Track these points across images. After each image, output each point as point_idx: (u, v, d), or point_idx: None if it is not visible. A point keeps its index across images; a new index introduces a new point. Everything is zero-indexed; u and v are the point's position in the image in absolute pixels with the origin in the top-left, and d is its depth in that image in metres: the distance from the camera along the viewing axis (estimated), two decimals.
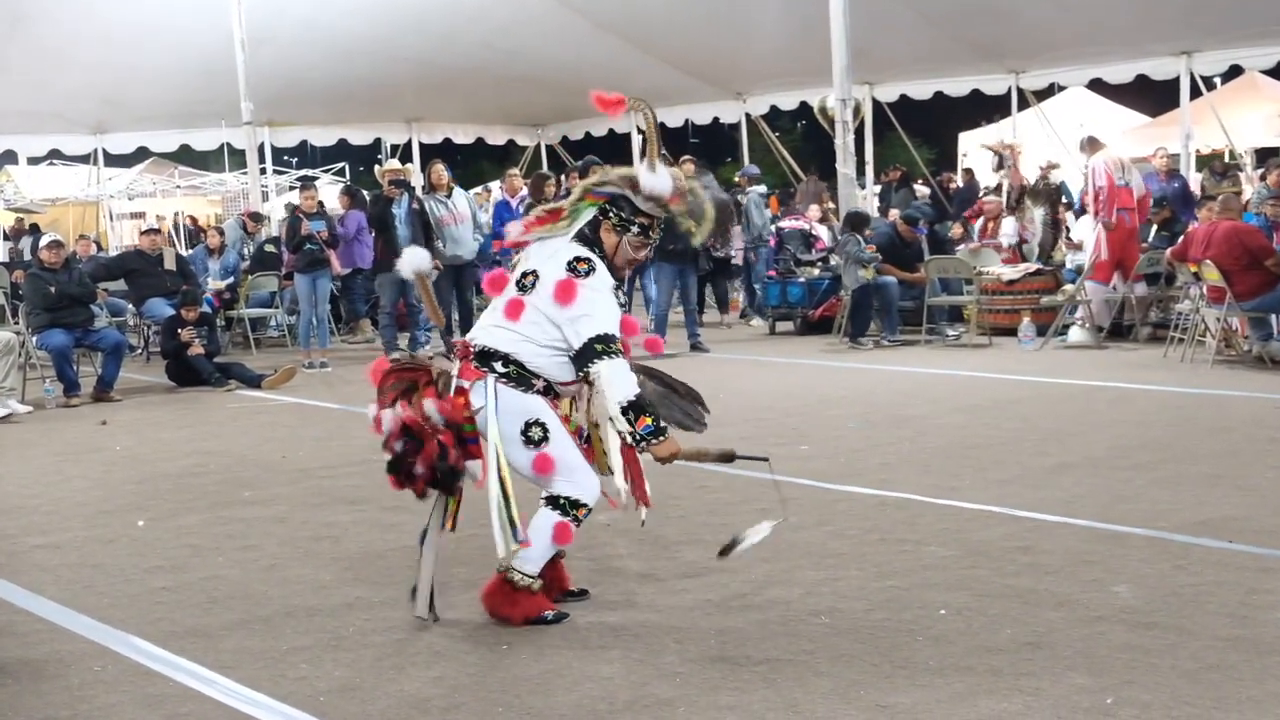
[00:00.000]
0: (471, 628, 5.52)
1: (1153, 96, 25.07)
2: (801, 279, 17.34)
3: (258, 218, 20.32)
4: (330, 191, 24.54)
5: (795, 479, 8.12)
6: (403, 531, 7.25)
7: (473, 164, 40.60)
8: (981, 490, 7.73)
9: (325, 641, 5.44)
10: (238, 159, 24.55)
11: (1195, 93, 20.67)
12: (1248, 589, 5.63)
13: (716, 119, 26.42)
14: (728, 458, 5.59)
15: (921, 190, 23.79)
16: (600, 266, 5.45)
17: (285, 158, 31.27)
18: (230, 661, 5.23)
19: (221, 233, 19.67)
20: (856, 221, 15.86)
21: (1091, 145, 15.67)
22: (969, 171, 24.23)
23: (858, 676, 4.77)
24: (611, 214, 5.56)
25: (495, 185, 22.68)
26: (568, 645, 5.26)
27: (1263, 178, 17.21)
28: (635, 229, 5.57)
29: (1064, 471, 8.20)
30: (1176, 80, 20.43)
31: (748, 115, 25.55)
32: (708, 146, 40.28)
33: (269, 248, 18.47)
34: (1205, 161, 26.72)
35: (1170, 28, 19.03)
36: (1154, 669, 4.73)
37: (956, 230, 19.28)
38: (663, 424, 5.36)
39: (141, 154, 26.57)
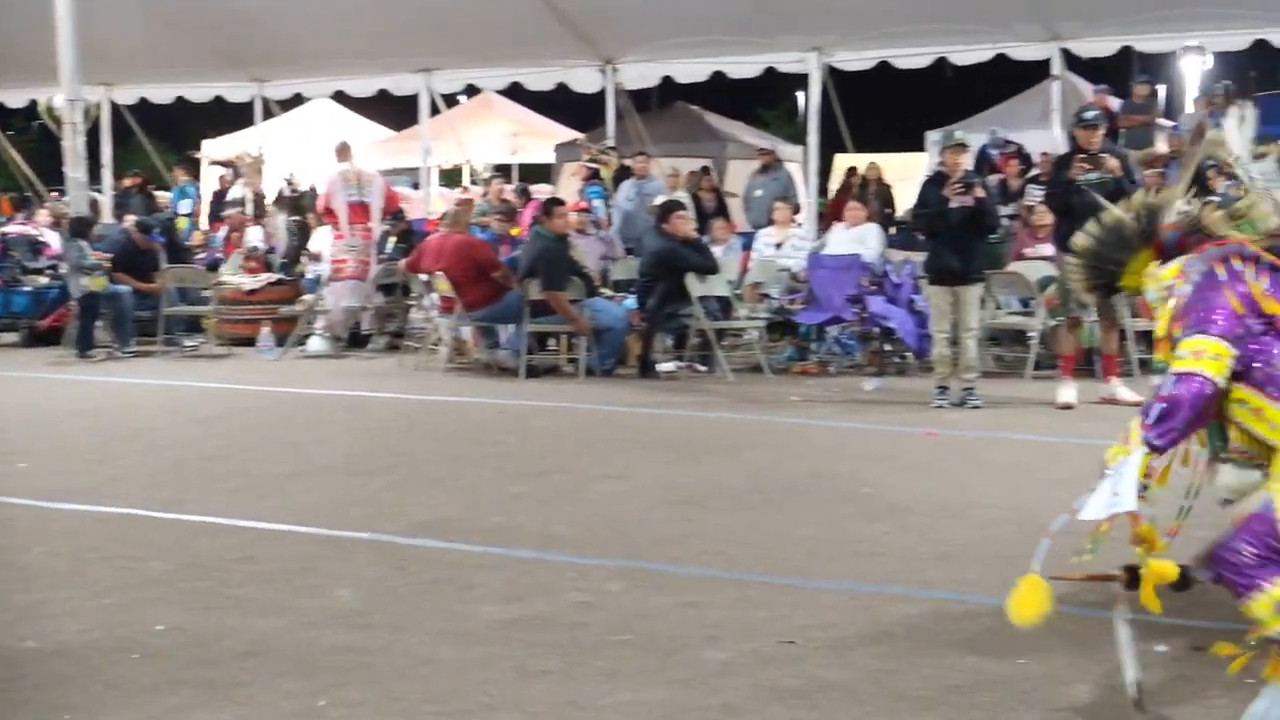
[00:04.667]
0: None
1: (396, 111, 25.70)
2: (28, 287, 16.40)
3: None
4: None
5: (10, 498, 7.67)
6: None
7: None
8: (210, 501, 7.59)
9: None
10: None
11: (435, 109, 21.41)
12: (462, 585, 5.87)
13: None
14: None
15: (164, 196, 23.18)
16: None
17: None
18: None
19: None
20: (80, 227, 15.17)
21: (340, 153, 15.88)
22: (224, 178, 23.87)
23: (71, 700, 4.54)
24: None
25: None
26: None
27: (484, 194, 18.15)
28: None
29: (296, 479, 8.23)
30: (417, 96, 21.08)
31: None
32: None
33: None
34: (448, 176, 27.82)
35: (410, 46, 19.55)
36: (368, 668, 4.82)
37: (198, 237, 18.97)
38: None
39: None
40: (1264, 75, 17.73)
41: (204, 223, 20.76)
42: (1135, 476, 3.95)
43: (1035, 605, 4.07)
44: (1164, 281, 4.31)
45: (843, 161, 22.02)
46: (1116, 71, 19.96)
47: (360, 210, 15.28)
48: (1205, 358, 3.92)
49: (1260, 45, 16.58)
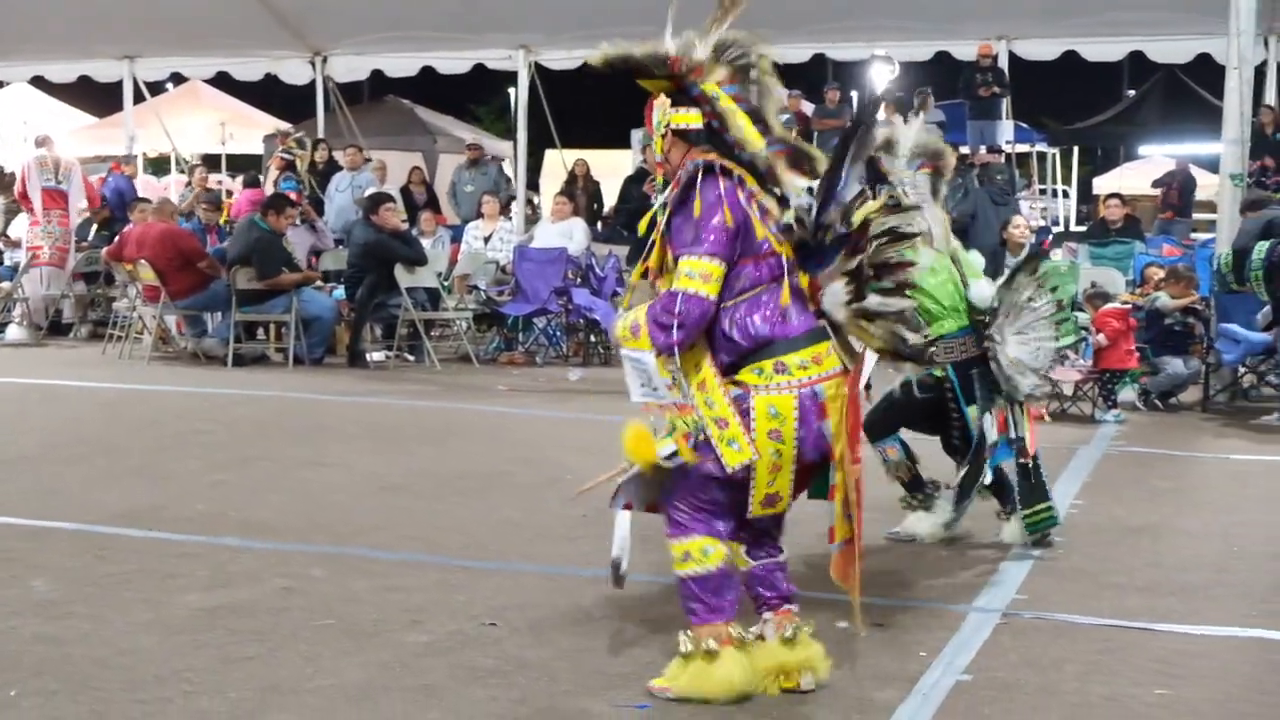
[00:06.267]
0: None
1: (98, 97, 24.97)
2: None
3: None
4: None
5: None
6: None
7: None
8: None
9: None
10: None
11: (140, 97, 20.89)
12: (164, 574, 5.88)
13: None
14: None
15: None
16: None
17: None
18: None
19: None
20: None
21: (40, 140, 15.59)
22: None
23: None
24: None
25: None
26: None
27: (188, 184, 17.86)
28: None
29: None
30: (121, 83, 20.54)
31: None
32: None
33: None
34: (155, 164, 27.14)
35: (113, 31, 19.08)
36: (67, 659, 4.81)
37: None
38: None
39: None
40: (946, 85, 18.72)
41: None
42: (659, 373, 4.32)
43: (645, 447, 4.37)
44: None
45: (553, 157, 22.32)
46: (810, 77, 20.76)
47: (57, 197, 14.96)
48: (711, 280, 4.31)
49: (942, 56, 17.60)
